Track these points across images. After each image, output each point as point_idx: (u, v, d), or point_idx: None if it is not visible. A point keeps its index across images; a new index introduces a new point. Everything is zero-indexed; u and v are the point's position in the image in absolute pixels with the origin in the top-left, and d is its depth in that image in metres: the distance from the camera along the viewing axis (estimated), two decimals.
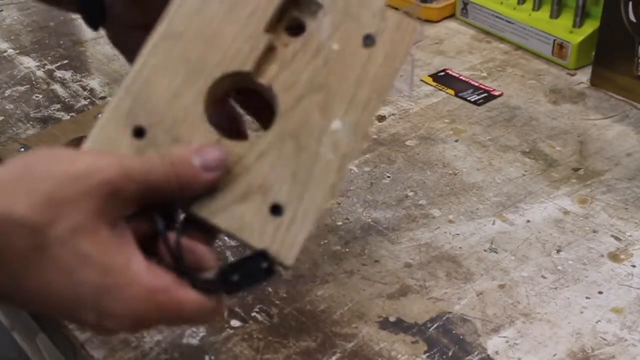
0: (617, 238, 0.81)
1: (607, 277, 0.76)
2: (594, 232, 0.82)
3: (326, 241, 0.81)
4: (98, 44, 1.20)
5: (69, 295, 0.47)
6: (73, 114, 1.02)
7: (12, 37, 1.21)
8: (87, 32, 1.21)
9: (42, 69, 1.12)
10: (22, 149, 0.89)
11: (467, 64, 1.13)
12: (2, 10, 1.31)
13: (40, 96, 1.06)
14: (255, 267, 0.52)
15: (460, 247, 0.80)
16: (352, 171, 0.91)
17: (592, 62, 1.08)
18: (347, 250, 0.80)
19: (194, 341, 0.69)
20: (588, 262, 0.78)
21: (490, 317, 0.72)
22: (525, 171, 0.92)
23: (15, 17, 1.29)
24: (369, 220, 0.84)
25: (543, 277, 0.77)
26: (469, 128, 1.00)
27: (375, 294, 0.75)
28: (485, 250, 0.80)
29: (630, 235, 0.81)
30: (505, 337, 0.70)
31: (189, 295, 0.51)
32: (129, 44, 0.71)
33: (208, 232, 0.54)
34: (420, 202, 0.87)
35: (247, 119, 0.66)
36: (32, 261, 0.46)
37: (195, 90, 0.55)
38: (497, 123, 1.01)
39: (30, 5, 1.32)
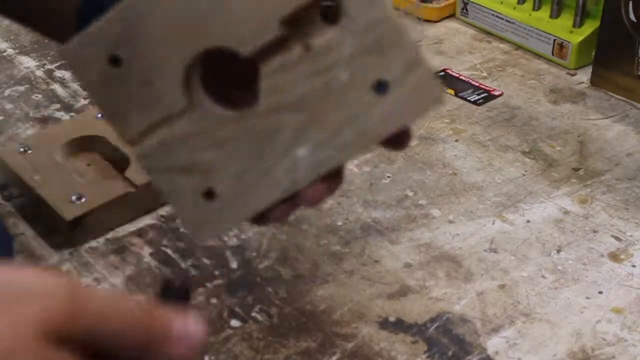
0: (617, 238, 0.81)
1: (607, 277, 0.76)
2: (594, 232, 0.82)
3: (326, 241, 0.81)
4: None
5: None
6: (73, 114, 1.02)
7: (11, 37, 1.20)
8: None
9: (42, 69, 1.12)
10: (22, 149, 0.89)
11: (467, 64, 1.13)
12: None
13: (40, 96, 1.06)
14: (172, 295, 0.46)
15: (460, 247, 0.80)
16: (352, 171, 0.91)
17: (593, 62, 1.08)
18: (347, 250, 0.80)
19: None
20: (588, 262, 0.78)
21: (490, 317, 0.72)
22: (525, 171, 0.92)
23: None
24: (369, 220, 0.84)
25: (543, 277, 0.76)
26: (469, 128, 1.00)
27: (375, 294, 0.75)
28: (485, 250, 0.80)
29: (631, 235, 0.81)
30: (505, 337, 0.70)
31: None
32: None
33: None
34: (420, 202, 0.87)
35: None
36: None
37: (183, 49, 0.51)
38: (497, 123, 1.01)
39: None
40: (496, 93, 1.07)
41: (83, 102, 1.05)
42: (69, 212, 0.79)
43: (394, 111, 0.49)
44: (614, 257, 0.79)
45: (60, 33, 0.66)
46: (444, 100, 0.48)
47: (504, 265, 0.78)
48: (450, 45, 1.19)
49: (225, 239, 0.80)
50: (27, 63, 1.14)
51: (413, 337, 0.70)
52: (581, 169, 0.92)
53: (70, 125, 0.95)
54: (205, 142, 0.53)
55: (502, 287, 0.75)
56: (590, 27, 1.11)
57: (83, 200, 0.81)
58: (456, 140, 0.97)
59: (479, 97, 1.06)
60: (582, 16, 1.11)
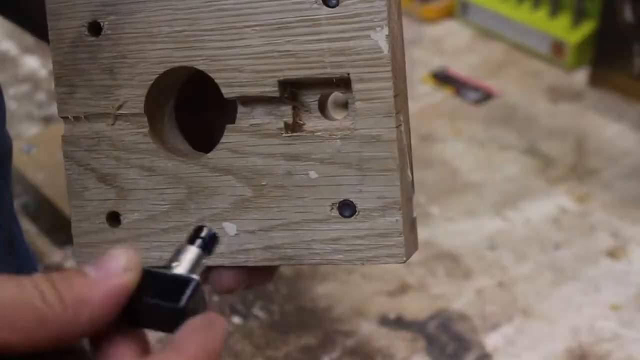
0: (614, 235, 0.82)
1: (604, 275, 0.77)
2: (592, 229, 0.83)
3: None
4: None
5: None
6: None
7: (15, 37, 1.21)
8: None
9: (46, 69, 1.13)
10: (26, 148, 0.89)
11: (467, 63, 1.14)
12: None
13: (44, 95, 1.07)
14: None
15: (459, 245, 0.81)
16: None
17: (590, 62, 1.08)
18: None
19: None
20: (586, 259, 0.79)
21: (489, 314, 0.73)
22: (524, 170, 0.92)
23: None
24: None
25: (541, 274, 0.77)
26: (468, 127, 1.00)
27: (375, 291, 0.75)
28: (484, 248, 0.81)
29: (628, 233, 0.82)
30: (503, 333, 0.71)
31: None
32: None
33: None
34: (420, 200, 0.87)
35: None
36: None
37: (169, 57, 0.44)
38: (496, 122, 1.01)
39: None
40: (495, 92, 1.07)
41: None
42: None
43: (344, 243, 0.42)
44: (612, 254, 0.80)
45: None
46: (405, 259, 0.41)
47: (502, 263, 0.79)
48: (449, 45, 1.19)
49: None
50: (31, 63, 1.15)
51: (413, 333, 0.71)
52: (579, 167, 0.93)
53: None
54: (136, 162, 0.46)
55: (500, 284, 0.76)
56: (588, 27, 1.11)
57: None
58: (455, 139, 0.98)
59: (478, 96, 1.06)
60: (579, 16, 1.12)
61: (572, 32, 1.12)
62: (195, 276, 0.36)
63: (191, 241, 0.37)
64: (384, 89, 0.40)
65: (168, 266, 0.36)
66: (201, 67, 0.44)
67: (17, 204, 0.87)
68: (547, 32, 1.13)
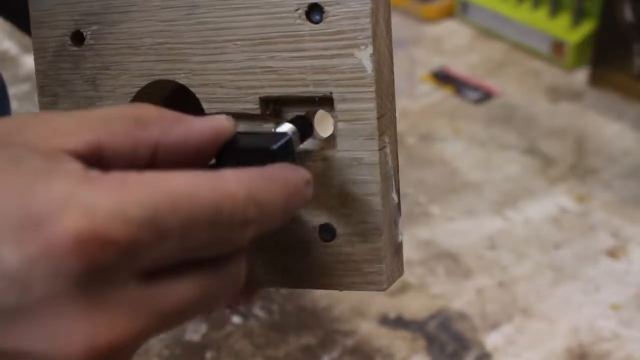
0: (614, 235, 0.82)
1: (604, 274, 0.77)
2: (592, 229, 0.83)
3: None
4: None
5: None
6: None
7: (15, 37, 1.21)
8: None
9: None
10: None
11: (467, 63, 1.14)
12: None
13: None
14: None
15: (459, 245, 0.81)
16: None
17: (590, 62, 1.08)
18: None
19: (196, 337, 0.70)
20: (586, 259, 0.79)
21: (489, 313, 0.73)
22: (524, 169, 0.92)
23: None
24: None
25: (541, 274, 0.77)
26: (468, 126, 1.00)
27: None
28: (484, 248, 0.81)
29: (628, 233, 0.82)
30: (503, 333, 0.71)
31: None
32: None
33: None
34: (420, 199, 0.87)
35: None
36: None
37: (150, 70, 0.43)
38: (495, 121, 1.01)
39: None
40: (495, 92, 1.07)
41: None
42: None
43: (324, 267, 0.40)
44: (611, 254, 0.80)
45: None
46: (385, 287, 0.40)
47: (502, 263, 0.79)
48: (449, 44, 1.19)
49: None
50: (31, 62, 1.15)
51: (413, 333, 0.71)
52: (579, 167, 0.93)
53: None
54: None
55: (500, 283, 0.76)
56: (588, 26, 1.11)
57: None
58: (455, 139, 0.98)
59: (478, 95, 1.06)
60: (579, 15, 1.12)
61: (572, 32, 1.12)
62: (290, 133, 0.37)
63: (290, 120, 0.38)
64: (367, 110, 0.39)
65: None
66: (183, 81, 0.42)
67: None
68: (547, 32, 1.13)
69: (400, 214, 0.41)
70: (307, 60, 0.39)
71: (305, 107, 0.41)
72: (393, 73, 0.41)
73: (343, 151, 0.39)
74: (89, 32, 0.44)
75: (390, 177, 0.41)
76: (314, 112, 0.41)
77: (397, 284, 0.76)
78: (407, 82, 1.09)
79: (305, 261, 0.41)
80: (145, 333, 0.31)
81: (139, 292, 0.30)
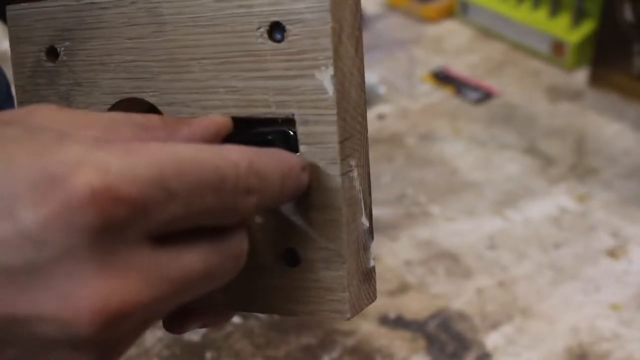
0: (614, 235, 0.82)
1: (604, 274, 0.77)
2: (592, 229, 0.83)
3: None
4: None
5: None
6: None
7: None
8: None
9: None
10: None
11: (467, 63, 1.14)
12: None
13: None
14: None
15: (459, 245, 0.81)
16: None
17: (590, 62, 1.08)
18: None
19: (196, 337, 0.70)
20: (586, 259, 0.79)
21: (489, 313, 0.73)
22: (524, 169, 0.92)
23: None
24: None
25: (541, 274, 0.77)
26: (468, 126, 1.00)
27: None
28: (484, 248, 0.81)
29: (627, 233, 0.82)
30: (503, 333, 0.71)
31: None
32: None
33: None
34: (420, 199, 0.87)
35: None
36: None
37: (120, 87, 0.42)
38: (495, 121, 1.01)
39: None
40: (495, 92, 1.07)
41: None
42: None
43: (288, 292, 0.39)
44: (611, 253, 0.80)
45: None
46: (349, 316, 0.38)
47: (502, 262, 0.79)
48: (449, 44, 1.20)
49: None
50: None
51: (413, 333, 0.71)
52: (579, 167, 0.93)
53: None
54: None
55: (500, 283, 0.76)
56: (588, 26, 1.12)
57: None
58: (455, 139, 0.98)
59: (478, 95, 1.07)
60: (579, 15, 1.12)
61: (572, 32, 1.12)
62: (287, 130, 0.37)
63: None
64: (328, 134, 0.37)
65: None
66: (151, 100, 0.42)
67: None
68: (547, 32, 1.13)
69: (372, 239, 0.39)
70: (269, 80, 0.38)
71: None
72: (364, 92, 0.38)
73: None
74: (62, 48, 0.44)
75: (358, 202, 0.38)
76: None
77: (396, 283, 0.76)
78: (407, 82, 1.09)
79: (270, 286, 0.40)
80: (155, 301, 0.31)
81: (148, 256, 0.30)
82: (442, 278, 0.77)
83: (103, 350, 0.31)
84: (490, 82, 1.09)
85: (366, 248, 0.39)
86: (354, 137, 0.38)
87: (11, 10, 0.45)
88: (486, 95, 1.07)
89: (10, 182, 0.29)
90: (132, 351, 0.69)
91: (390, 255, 0.80)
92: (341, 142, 0.37)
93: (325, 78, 0.36)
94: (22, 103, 0.46)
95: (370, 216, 0.39)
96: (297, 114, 0.37)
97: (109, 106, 0.43)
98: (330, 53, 0.36)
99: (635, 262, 0.79)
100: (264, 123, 0.39)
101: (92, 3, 0.42)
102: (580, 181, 0.90)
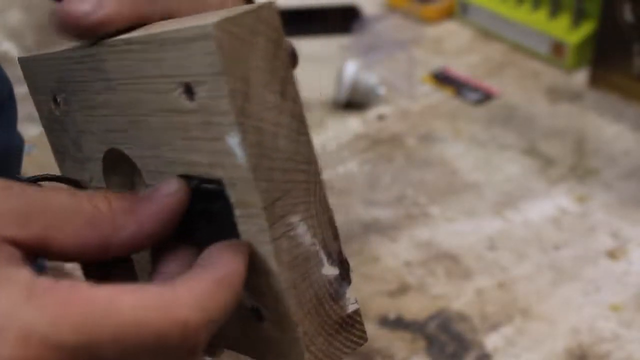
0: (614, 236, 0.82)
1: (604, 275, 0.77)
2: (592, 230, 0.83)
3: None
4: None
5: None
6: None
7: (15, 37, 1.21)
8: None
9: None
10: (27, 149, 0.89)
11: (467, 64, 1.14)
12: None
13: None
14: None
15: (459, 245, 0.81)
16: (352, 170, 0.92)
17: (590, 62, 1.08)
18: (347, 248, 0.81)
19: None
20: (586, 259, 0.79)
21: (488, 314, 0.73)
22: (524, 170, 0.92)
23: (19, 17, 1.30)
24: (369, 218, 0.85)
25: (541, 274, 0.77)
26: (468, 127, 1.00)
27: (374, 291, 0.75)
28: (484, 248, 0.81)
29: (627, 233, 0.82)
30: (503, 334, 0.71)
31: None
32: None
33: None
34: (420, 200, 0.88)
35: None
36: None
37: (107, 136, 0.41)
38: (495, 122, 1.01)
39: (34, 5, 1.33)
40: (495, 92, 1.08)
41: None
42: None
43: (260, 344, 0.38)
44: (611, 254, 0.80)
45: None
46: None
47: (502, 263, 0.79)
48: (449, 45, 1.20)
49: None
50: None
51: (412, 334, 0.71)
52: (579, 167, 0.93)
53: None
54: None
55: (500, 284, 0.76)
56: (588, 27, 1.12)
57: None
58: (455, 140, 0.98)
59: (478, 96, 1.07)
60: (579, 16, 1.12)
61: (572, 33, 1.12)
62: None
63: None
64: (251, 200, 0.33)
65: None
66: (127, 152, 0.40)
67: None
68: (547, 33, 1.13)
69: (347, 284, 0.36)
70: (196, 141, 0.35)
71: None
72: (306, 135, 0.34)
73: (247, 239, 0.35)
74: (60, 99, 0.44)
75: (311, 257, 0.35)
76: None
77: (396, 284, 0.76)
78: (407, 83, 1.09)
79: (245, 335, 0.39)
80: None
81: None
82: (442, 279, 0.77)
83: None
84: (490, 83, 1.09)
85: (337, 297, 0.36)
86: (291, 192, 0.34)
87: (22, 61, 0.46)
88: (486, 96, 1.07)
89: None
90: None
91: (390, 256, 0.80)
92: (267, 207, 0.33)
93: (234, 143, 0.32)
94: (52, 143, 0.48)
95: (340, 261, 0.36)
96: (224, 177, 0.34)
97: (102, 154, 0.42)
98: (232, 118, 0.32)
99: (635, 263, 0.79)
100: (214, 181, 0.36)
101: (70, 57, 0.41)
102: (580, 182, 0.90)
